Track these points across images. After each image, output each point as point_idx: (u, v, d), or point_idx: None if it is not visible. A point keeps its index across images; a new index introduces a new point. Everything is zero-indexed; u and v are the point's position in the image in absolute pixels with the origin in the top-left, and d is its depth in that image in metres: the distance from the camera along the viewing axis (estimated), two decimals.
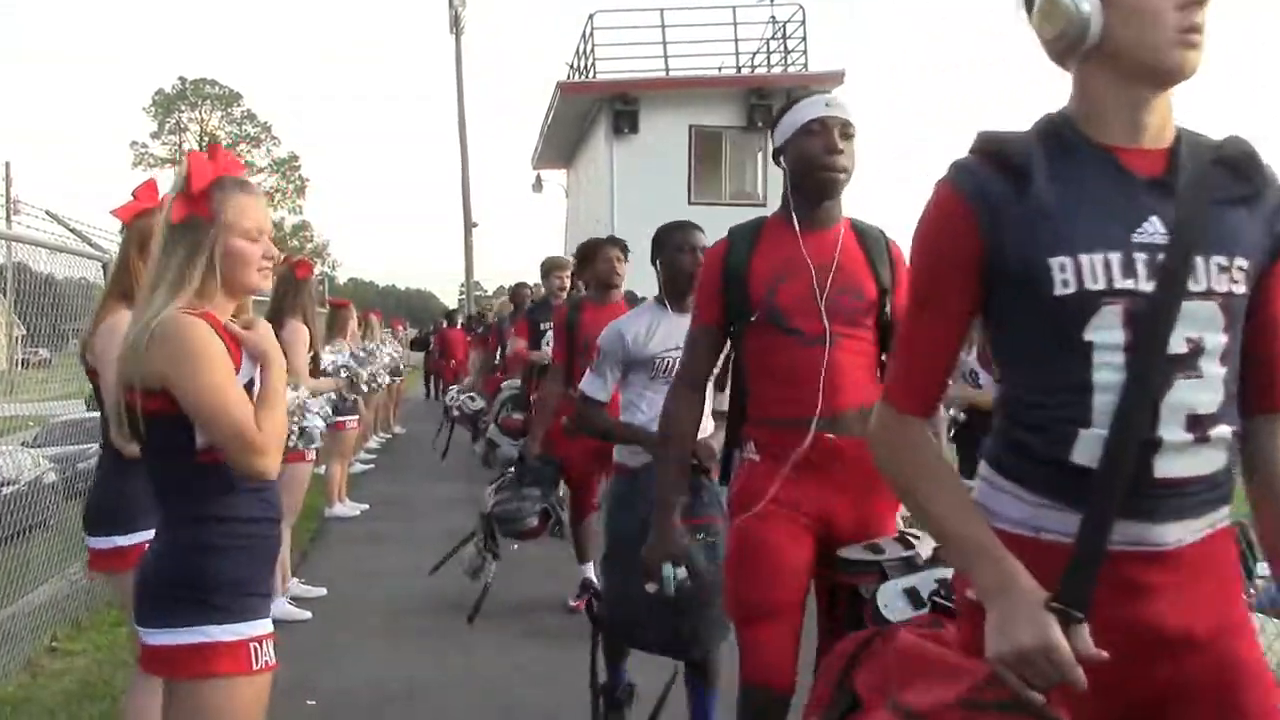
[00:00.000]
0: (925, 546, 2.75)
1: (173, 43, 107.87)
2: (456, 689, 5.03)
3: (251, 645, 2.41)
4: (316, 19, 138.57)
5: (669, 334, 4.01)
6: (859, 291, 2.90)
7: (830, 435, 2.81)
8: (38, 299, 5.71)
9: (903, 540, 2.84)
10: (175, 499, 2.42)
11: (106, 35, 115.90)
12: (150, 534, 2.60)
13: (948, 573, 2.44)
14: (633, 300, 5.81)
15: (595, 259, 5.83)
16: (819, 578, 2.92)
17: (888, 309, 2.95)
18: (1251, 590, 6.00)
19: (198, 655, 2.34)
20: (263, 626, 2.46)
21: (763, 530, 2.85)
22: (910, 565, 2.71)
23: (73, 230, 5.81)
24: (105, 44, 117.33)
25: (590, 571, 6.18)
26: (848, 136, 2.92)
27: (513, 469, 5.83)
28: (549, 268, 7.81)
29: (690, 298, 3.79)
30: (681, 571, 2.99)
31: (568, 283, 7.62)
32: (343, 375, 6.59)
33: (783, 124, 2.99)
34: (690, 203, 18.82)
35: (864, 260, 2.95)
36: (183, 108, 60.84)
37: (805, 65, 20.07)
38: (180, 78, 61.08)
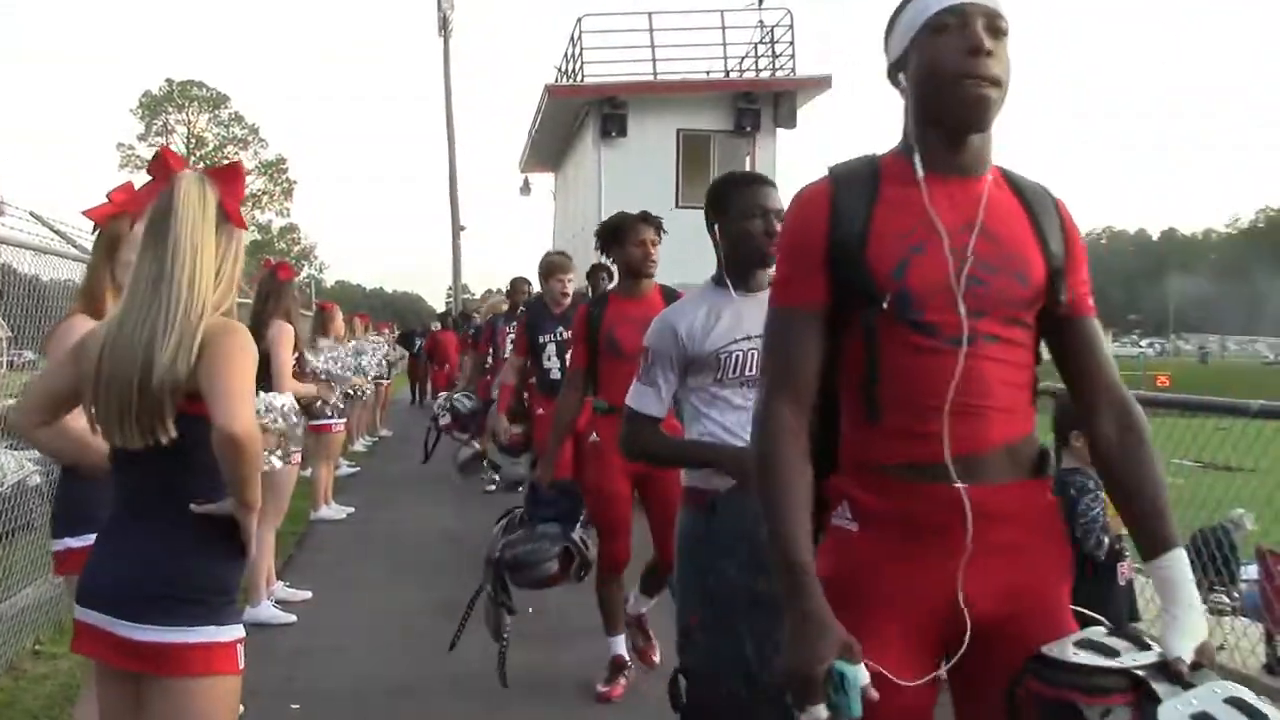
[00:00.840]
0: (1174, 643, 1.77)
1: (160, 45, 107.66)
2: (442, 693, 5.02)
3: (238, 646, 2.48)
4: (305, 21, 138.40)
5: (736, 321, 3.17)
6: (1022, 272, 1.98)
7: (961, 485, 1.88)
8: (22, 301, 5.68)
9: (1129, 637, 1.83)
10: (195, 498, 2.42)
11: (93, 37, 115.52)
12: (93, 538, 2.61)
13: (1240, 690, 1.67)
14: (671, 297, 4.72)
15: (624, 240, 4.85)
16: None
17: (1061, 297, 2.01)
18: (1235, 593, 6.04)
19: (202, 654, 2.39)
20: (242, 629, 2.53)
21: (873, 673, 1.78)
22: (1166, 673, 1.71)
23: (57, 232, 5.79)
24: (91, 45, 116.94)
25: (621, 647, 5.11)
26: (998, 34, 1.95)
27: (519, 509, 4.70)
28: (549, 270, 6.92)
29: (763, 274, 3.17)
30: (862, 673, 1.76)
31: (570, 288, 6.91)
32: (322, 377, 6.58)
33: (899, 25, 2.04)
34: (678, 205, 18.81)
35: (1028, 225, 2.02)
36: (170, 109, 60.76)
37: (793, 70, 20.09)
38: (168, 79, 61.09)
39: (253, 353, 2.45)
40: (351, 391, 8.68)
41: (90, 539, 3.23)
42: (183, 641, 2.37)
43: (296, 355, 6.07)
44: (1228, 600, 5.08)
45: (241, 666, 2.49)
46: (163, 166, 2.54)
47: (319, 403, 7.75)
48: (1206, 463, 5.22)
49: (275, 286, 6.11)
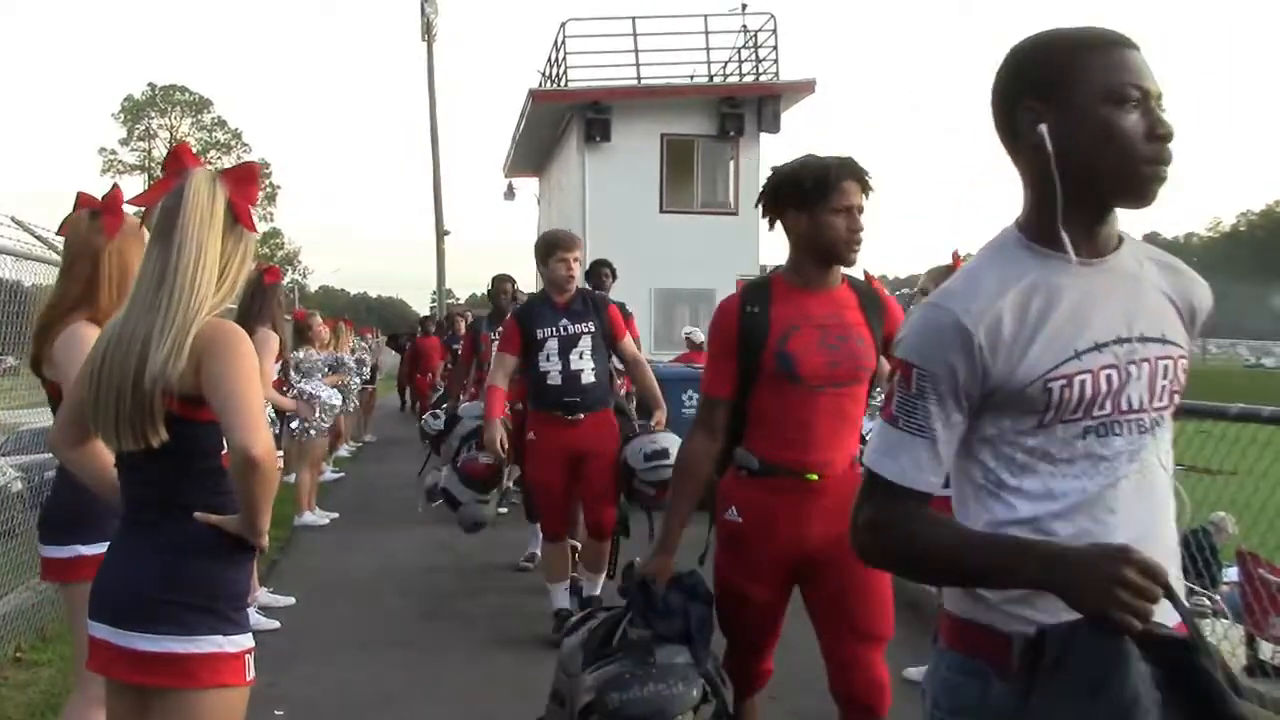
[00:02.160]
0: None
1: (143, 49, 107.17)
2: (426, 699, 5.01)
3: (246, 657, 2.44)
4: (288, 26, 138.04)
5: (1081, 313, 1.70)
6: None
7: None
8: (4, 306, 5.65)
9: None
10: (197, 504, 2.38)
11: (73, 41, 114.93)
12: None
13: None
14: (864, 290, 3.30)
15: (820, 201, 3.09)
16: None
17: None
18: (1216, 596, 6.07)
19: (208, 665, 2.35)
20: (251, 639, 2.48)
21: None
22: None
23: (39, 237, 5.77)
24: (73, 49, 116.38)
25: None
26: None
27: (603, 610, 3.41)
28: (550, 247, 5.62)
29: (1114, 221, 1.73)
30: None
31: (577, 271, 5.70)
32: (304, 399, 6.54)
33: None
34: (662, 210, 18.87)
35: None
36: (152, 114, 60.55)
37: (776, 74, 20.14)
38: (150, 84, 60.93)
39: (254, 357, 2.40)
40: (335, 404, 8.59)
41: (89, 549, 3.19)
42: (189, 651, 2.33)
43: (280, 363, 6.05)
44: (1209, 602, 5.11)
45: (250, 677, 2.44)
46: (178, 163, 2.49)
47: (301, 421, 7.70)
48: (1189, 466, 5.24)
49: (261, 290, 6.08)
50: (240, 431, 2.25)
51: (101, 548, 3.01)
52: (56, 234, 3.49)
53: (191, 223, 2.38)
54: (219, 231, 2.42)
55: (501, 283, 8.46)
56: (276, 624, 6.17)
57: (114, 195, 3.28)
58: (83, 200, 3.27)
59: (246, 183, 2.50)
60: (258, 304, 6.03)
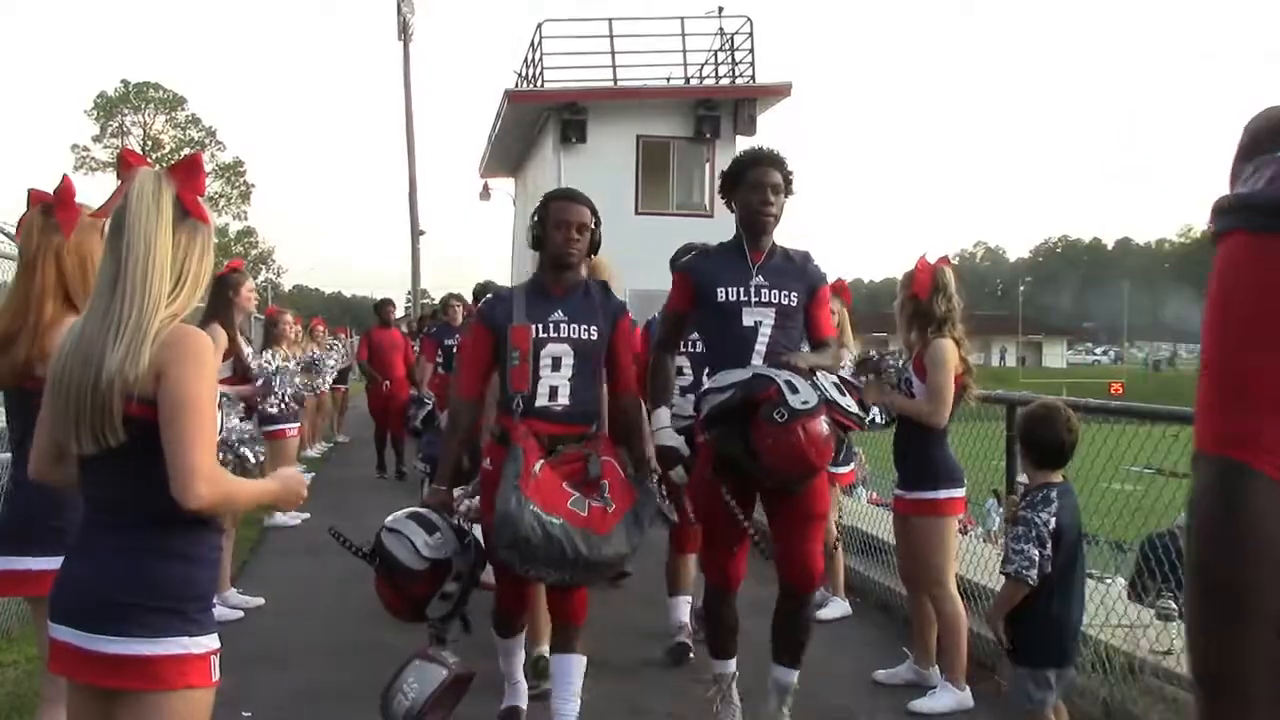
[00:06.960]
0: None
1: (117, 46, 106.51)
2: None
3: (212, 658, 2.42)
4: (263, 24, 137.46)
5: None
6: None
7: None
8: None
9: None
10: (167, 504, 2.32)
11: (46, 36, 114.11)
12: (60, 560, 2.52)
13: None
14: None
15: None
16: None
17: None
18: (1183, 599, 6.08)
19: (175, 666, 2.33)
20: (217, 640, 2.46)
21: None
22: None
23: (8, 235, 5.71)
24: (45, 45, 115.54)
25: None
26: None
27: None
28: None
29: None
30: None
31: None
32: (259, 382, 6.49)
33: None
34: (637, 212, 18.88)
35: None
36: (126, 111, 60.14)
37: (753, 77, 20.21)
38: (123, 80, 60.50)
39: (214, 369, 2.38)
40: (303, 394, 8.50)
41: (37, 562, 3.11)
42: (155, 653, 2.31)
43: (232, 358, 6.09)
44: (1175, 605, 5.14)
45: (216, 679, 2.42)
46: (125, 167, 2.48)
47: (260, 406, 7.63)
48: (1157, 468, 5.28)
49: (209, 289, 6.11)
50: (177, 483, 2.24)
51: (47, 563, 2.94)
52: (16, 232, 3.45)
53: (138, 220, 2.36)
54: (168, 226, 2.38)
55: (571, 209, 4.20)
56: (241, 614, 6.21)
57: (65, 189, 3.23)
58: (35, 197, 3.23)
59: (192, 174, 2.47)
60: (208, 303, 6.09)
